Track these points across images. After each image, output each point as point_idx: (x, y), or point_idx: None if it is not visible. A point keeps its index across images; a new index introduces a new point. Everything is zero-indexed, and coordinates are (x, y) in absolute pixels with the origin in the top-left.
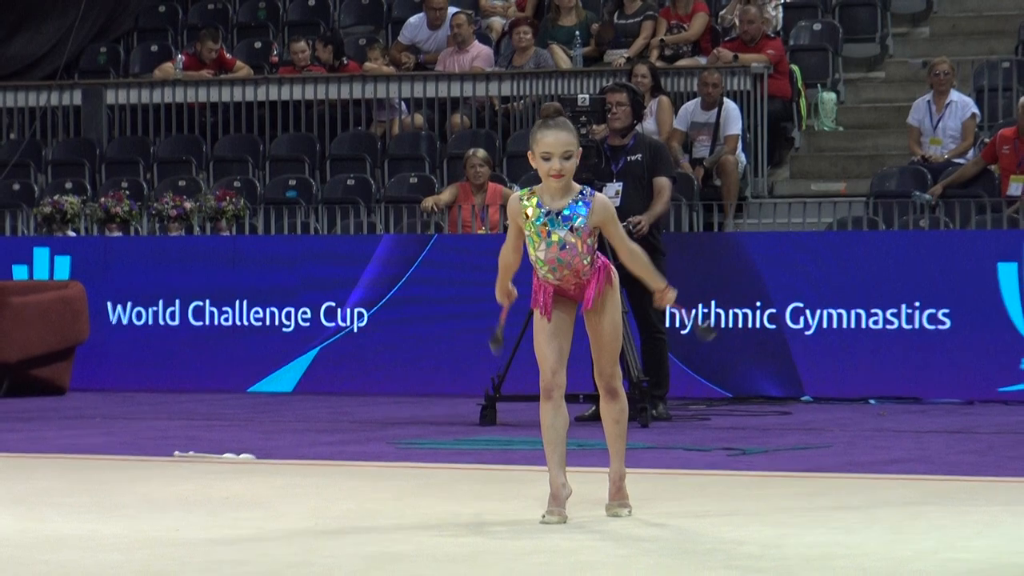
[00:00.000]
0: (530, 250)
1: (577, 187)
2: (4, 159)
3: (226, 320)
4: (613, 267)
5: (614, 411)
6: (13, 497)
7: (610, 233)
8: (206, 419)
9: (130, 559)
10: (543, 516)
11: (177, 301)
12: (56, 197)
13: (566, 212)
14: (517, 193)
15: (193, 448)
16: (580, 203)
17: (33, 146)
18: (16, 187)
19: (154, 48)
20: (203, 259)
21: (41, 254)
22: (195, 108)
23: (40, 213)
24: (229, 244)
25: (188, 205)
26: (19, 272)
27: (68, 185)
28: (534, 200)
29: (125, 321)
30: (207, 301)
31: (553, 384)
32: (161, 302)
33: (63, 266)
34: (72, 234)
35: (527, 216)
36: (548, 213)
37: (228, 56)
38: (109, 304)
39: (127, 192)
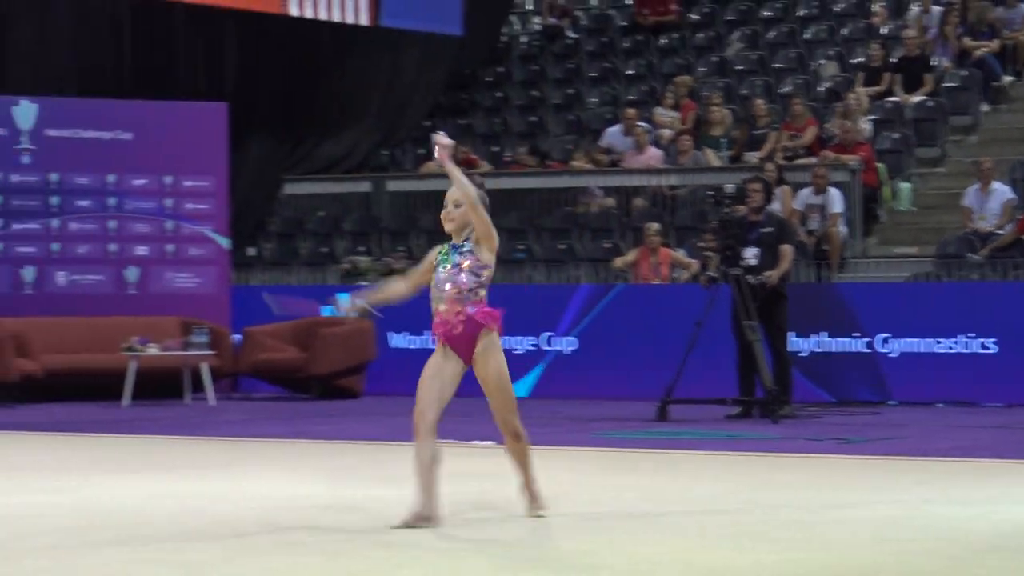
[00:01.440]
0: (432, 287)
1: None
2: (314, 230)
3: None
4: (499, 321)
5: (518, 450)
6: (325, 470)
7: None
8: (460, 415)
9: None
10: (400, 522)
11: None
12: (352, 257)
13: (461, 244)
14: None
15: (451, 437)
16: (469, 240)
17: (334, 220)
18: (323, 250)
19: (421, 151)
20: None
21: (342, 299)
22: None
23: (340, 269)
24: None
25: None
26: (326, 312)
27: (361, 248)
28: (445, 247)
29: (401, 345)
30: None
31: (420, 421)
32: (427, 331)
33: None
34: (363, 284)
35: (437, 255)
36: (451, 247)
37: (472, 156)
38: (389, 333)
39: (404, 253)
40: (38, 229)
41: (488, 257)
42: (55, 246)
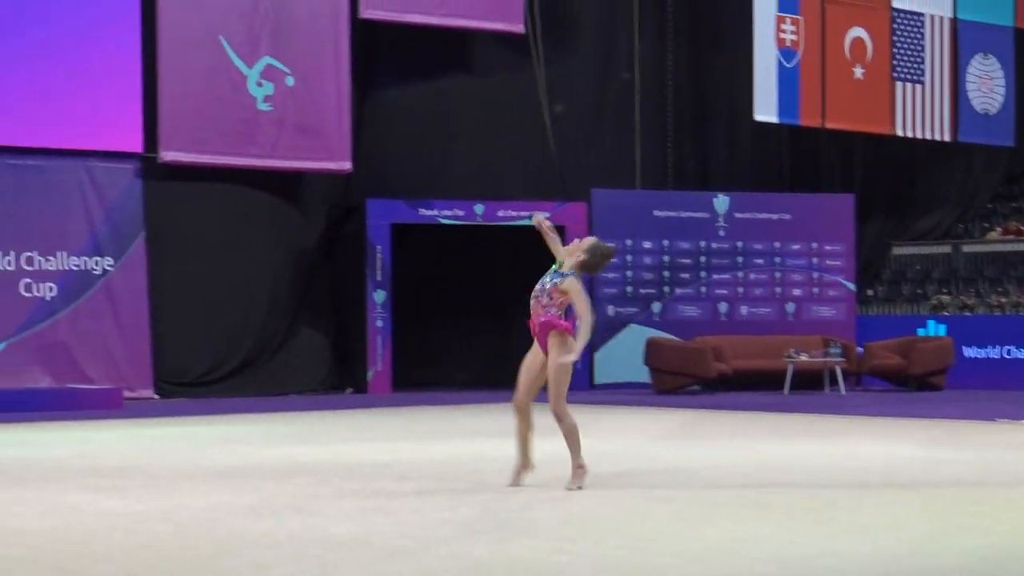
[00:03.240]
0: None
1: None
2: (912, 277)
3: None
4: (569, 335)
5: (562, 431)
6: (918, 439)
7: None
8: None
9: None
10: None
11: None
12: (938, 296)
13: (560, 272)
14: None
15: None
16: (558, 274)
17: (926, 271)
18: (918, 291)
19: (985, 224)
20: None
21: (931, 325)
22: None
23: (929, 304)
24: None
25: None
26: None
27: (944, 291)
28: (555, 265)
29: (972, 355)
30: None
31: (514, 402)
32: (991, 346)
33: (941, 330)
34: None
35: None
36: (554, 271)
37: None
38: (963, 345)
39: (973, 292)
40: (728, 278)
41: (565, 290)
42: (740, 289)
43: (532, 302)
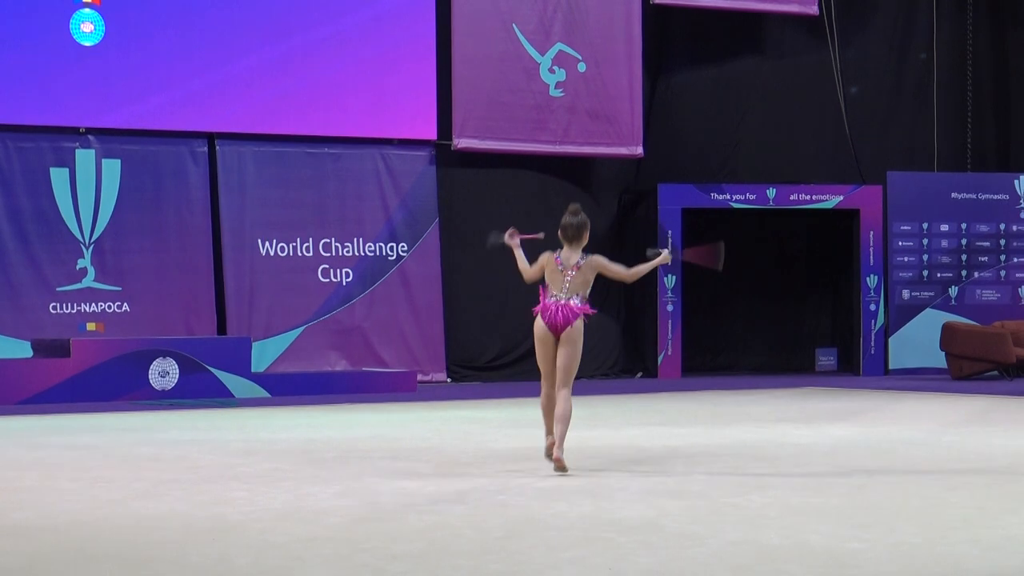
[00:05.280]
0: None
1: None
2: None
3: None
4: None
5: (568, 409)
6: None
7: (610, 271)
8: None
9: None
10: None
11: None
12: None
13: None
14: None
15: None
16: (576, 264)
17: None
18: None
19: None
20: None
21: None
22: None
23: None
24: None
25: None
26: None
27: None
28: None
29: None
30: None
31: (547, 399)
32: None
33: None
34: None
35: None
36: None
37: None
38: None
39: None
40: None
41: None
42: None
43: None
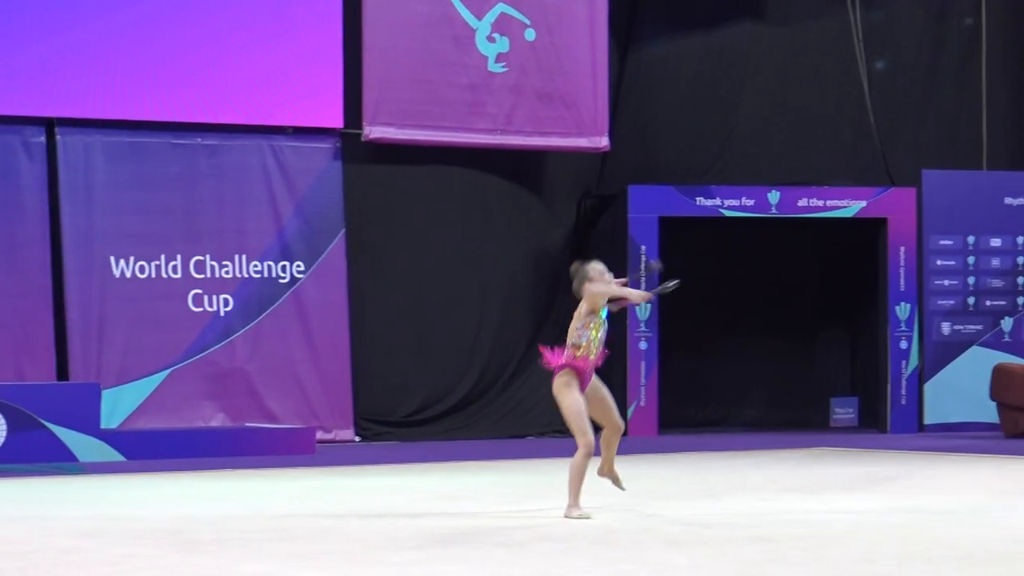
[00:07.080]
0: (593, 333)
1: None
2: None
3: None
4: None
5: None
6: None
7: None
8: None
9: None
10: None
11: None
12: None
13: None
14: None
15: None
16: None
17: None
18: None
19: None
20: None
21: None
22: None
23: None
24: None
25: None
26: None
27: None
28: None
29: None
30: None
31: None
32: None
33: None
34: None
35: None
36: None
37: None
38: None
39: None
40: None
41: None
42: None
43: (595, 346)
